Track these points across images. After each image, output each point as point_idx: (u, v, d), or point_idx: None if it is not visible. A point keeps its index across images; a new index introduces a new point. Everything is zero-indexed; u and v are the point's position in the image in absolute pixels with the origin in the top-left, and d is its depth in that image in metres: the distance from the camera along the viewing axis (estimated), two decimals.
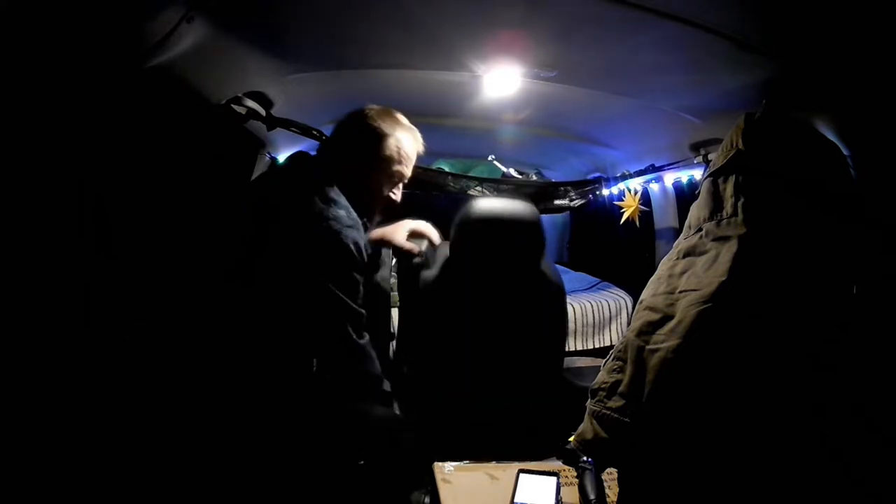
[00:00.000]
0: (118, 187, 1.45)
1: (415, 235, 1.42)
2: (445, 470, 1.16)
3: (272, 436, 1.03)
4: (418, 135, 1.24)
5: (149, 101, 1.34)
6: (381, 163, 1.17)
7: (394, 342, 1.91)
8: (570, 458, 1.07)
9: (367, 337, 1.11)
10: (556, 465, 1.14)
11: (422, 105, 1.81)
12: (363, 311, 1.09)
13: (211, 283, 1.21)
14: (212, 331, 1.11)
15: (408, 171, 1.23)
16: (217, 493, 1.03)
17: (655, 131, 1.90)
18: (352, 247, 1.04)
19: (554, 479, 1.06)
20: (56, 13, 0.88)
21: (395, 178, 1.21)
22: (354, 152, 1.17)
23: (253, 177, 2.07)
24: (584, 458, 1.03)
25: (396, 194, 1.24)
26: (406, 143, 1.20)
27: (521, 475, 1.06)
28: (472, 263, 1.55)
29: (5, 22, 0.83)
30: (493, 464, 1.16)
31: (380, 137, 1.17)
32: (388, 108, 1.22)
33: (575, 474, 1.06)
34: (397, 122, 1.21)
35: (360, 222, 1.10)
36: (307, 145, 2.16)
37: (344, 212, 1.07)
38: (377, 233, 1.35)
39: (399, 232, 1.38)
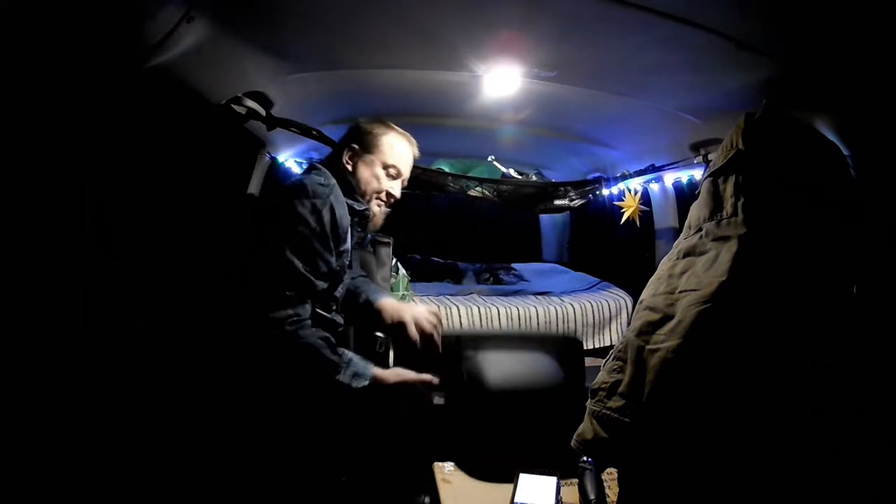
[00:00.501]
0: (118, 187, 1.45)
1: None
2: (445, 470, 1.16)
3: (270, 436, 1.02)
4: (412, 139, 1.28)
5: (149, 101, 1.34)
6: (373, 154, 1.22)
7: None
8: (569, 459, 1.07)
9: (304, 306, 1.03)
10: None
11: (422, 105, 1.81)
12: (312, 277, 1.03)
13: (211, 283, 1.21)
14: (211, 331, 1.11)
15: (402, 167, 1.25)
16: (215, 493, 1.03)
17: (655, 131, 1.90)
18: (317, 196, 1.05)
19: (554, 479, 1.05)
20: (56, 13, 0.88)
21: (390, 171, 1.23)
22: (348, 148, 1.23)
23: (252, 177, 2.07)
24: (584, 458, 1.03)
25: (395, 189, 1.25)
26: (397, 142, 1.25)
27: (522, 475, 1.06)
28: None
29: (5, 22, 0.83)
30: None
31: (371, 135, 1.23)
32: (381, 117, 1.28)
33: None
34: (388, 126, 1.26)
35: (336, 186, 1.12)
36: (307, 145, 2.17)
37: (322, 178, 1.12)
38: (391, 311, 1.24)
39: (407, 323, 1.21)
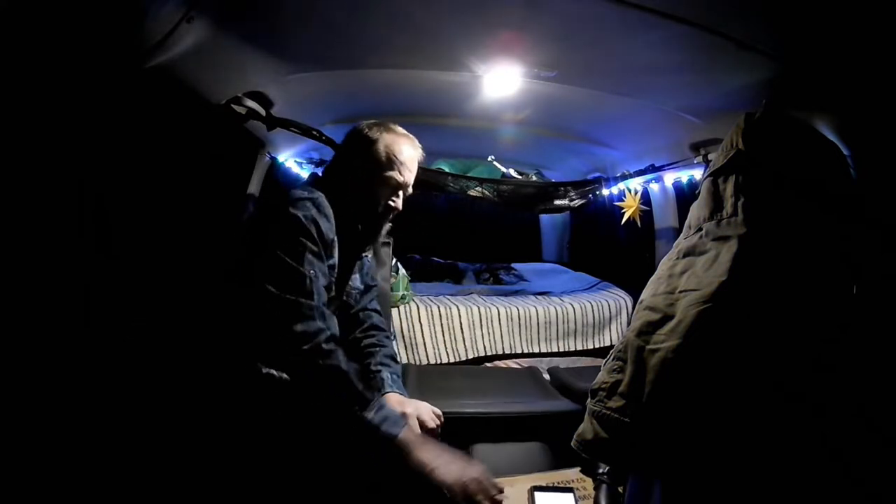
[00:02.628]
0: (118, 187, 1.45)
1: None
2: None
3: (268, 437, 1.02)
4: (416, 142, 1.22)
5: (149, 101, 1.34)
6: (385, 170, 1.15)
7: (395, 343, 1.90)
8: (588, 468, 1.05)
9: (332, 319, 1.01)
10: (566, 474, 1.11)
11: (422, 105, 1.81)
12: (321, 286, 1.01)
13: (211, 283, 1.21)
14: (212, 331, 1.11)
15: (404, 176, 1.18)
16: (214, 493, 1.03)
17: (655, 131, 1.91)
18: (301, 219, 1.00)
19: (570, 495, 1.02)
20: (56, 13, 0.88)
21: (391, 183, 1.16)
22: (354, 164, 1.17)
23: (252, 177, 2.08)
24: (601, 472, 1.03)
25: (396, 202, 1.20)
26: (410, 153, 1.18)
27: (537, 493, 1.02)
28: None
29: (5, 22, 0.83)
30: (501, 479, 1.07)
31: (380, 148, 1.16)
32: (382, 120, 1.21)
33: (591, 485, 1.04)
34: (396, 132, 1.20)
35: (321, 198, 1.05)
36: (307, 145, 2.17)
37: (306, 191, 1.05)
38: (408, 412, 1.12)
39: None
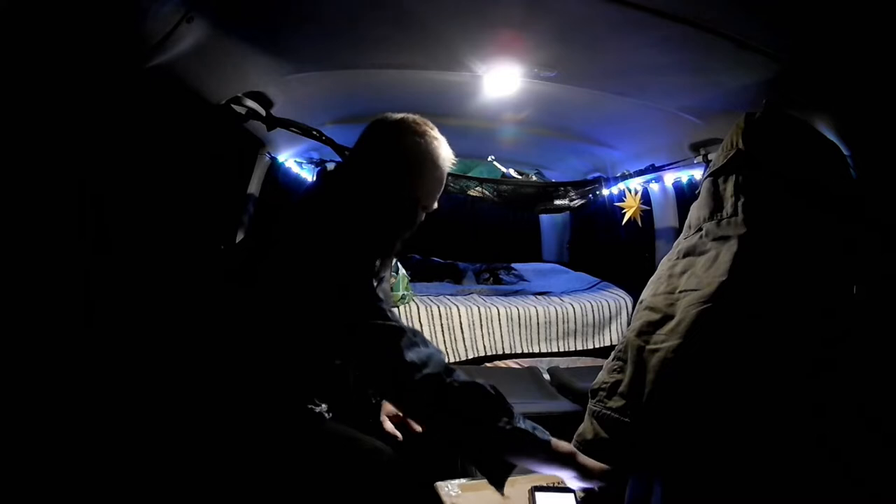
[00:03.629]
0: (118, 187, 1.45)
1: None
2: (451, 492, 1.04)
3: (269, 440, 1.02)
4: (447, 147, 0.99)
5: (149, 101, 1.34)
6: (420, 185, 0.98)
7: None
8: None
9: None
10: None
11: (422, 105, 1.80)
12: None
13: (211, 283, 1.21)
14: (212, 331, 1.10)
15: (428, 188, 0.99)
16: (214, 494, 1.03)
17: (655, 131, 1.91)
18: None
19: (571, 495, 0.99)
20: (56, 13, 0.89)
21: (408, 193, 0.98)
22: (356, 156, 1.02)
23: (252, 177, 2.08)
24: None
25: (413, 219, 1.04)
26: (447, 166, 0.98)
27: (537, 493, 0.99)
28: None
29: (5, 22, 0.83)
30: None
31: (421, 158, 0.96)
32: (409, 114, 1.01)
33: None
34: (437, 138, 0.99)
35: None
36: (307, 145, 2.17)
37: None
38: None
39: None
